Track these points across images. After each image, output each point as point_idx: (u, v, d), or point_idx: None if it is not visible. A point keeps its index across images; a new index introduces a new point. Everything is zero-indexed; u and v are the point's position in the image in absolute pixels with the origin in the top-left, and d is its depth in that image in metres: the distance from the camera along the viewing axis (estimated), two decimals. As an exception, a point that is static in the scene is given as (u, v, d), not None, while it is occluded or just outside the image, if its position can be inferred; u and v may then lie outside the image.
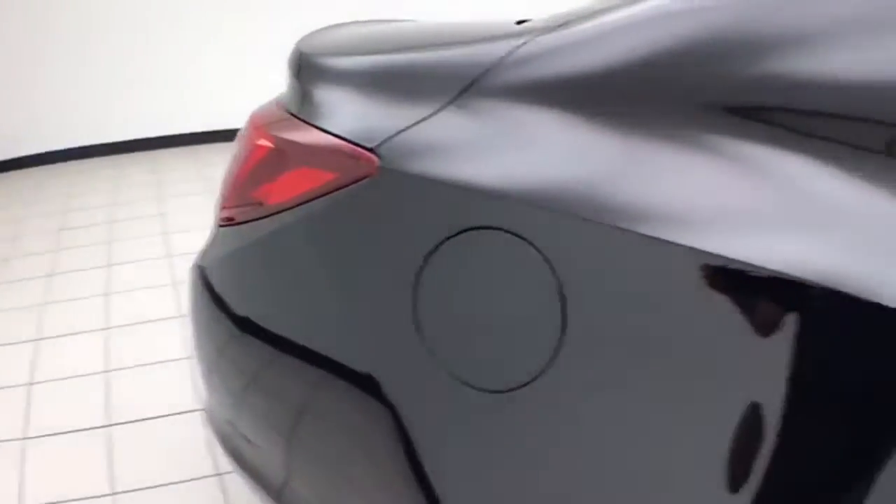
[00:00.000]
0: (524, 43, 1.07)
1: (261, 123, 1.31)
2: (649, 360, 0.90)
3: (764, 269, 0.84)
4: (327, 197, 1.10)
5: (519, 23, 1.23)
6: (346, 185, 1.08)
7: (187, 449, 2.33)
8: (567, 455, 0.96)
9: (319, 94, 1.25)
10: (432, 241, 1.01)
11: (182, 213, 4.37)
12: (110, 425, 2.49)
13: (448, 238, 1.00)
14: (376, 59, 1.25)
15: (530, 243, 0.95)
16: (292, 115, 1.27)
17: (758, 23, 0.95)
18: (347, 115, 1.17)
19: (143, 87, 5.61)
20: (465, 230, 0.99)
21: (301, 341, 1.16)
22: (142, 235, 4.10)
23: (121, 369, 2.83)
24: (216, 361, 1.37)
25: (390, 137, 1.07)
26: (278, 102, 1.37)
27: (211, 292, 1.33)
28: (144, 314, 3.22)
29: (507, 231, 0.96)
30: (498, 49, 1.09)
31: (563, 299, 0.93)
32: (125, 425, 2.49)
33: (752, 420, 0.86)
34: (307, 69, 1.32)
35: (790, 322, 0.85)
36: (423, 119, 1.07)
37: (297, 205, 1.14)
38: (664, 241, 0.88)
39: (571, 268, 0.94)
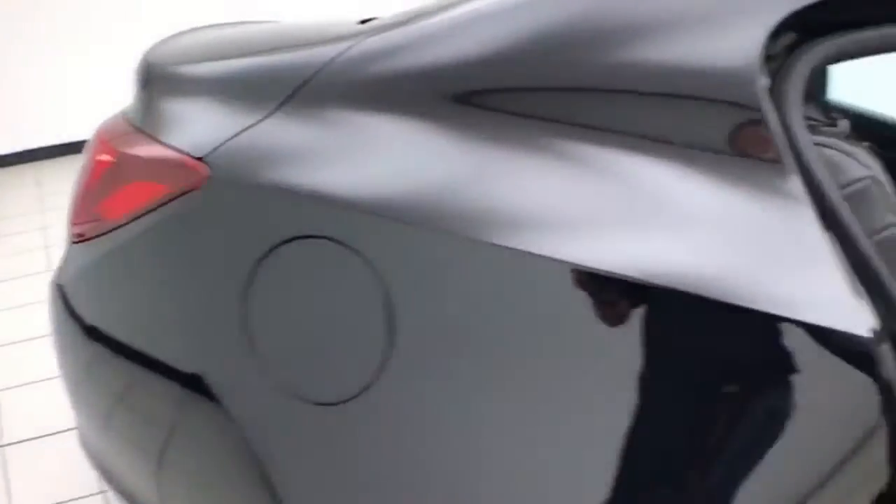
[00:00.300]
0: (350, 46, 1.07)
1: (105, 137, 1.29)
2: (481, 365, 0.90)
3: (600, 271, 0.86)
4: (161, 209, 1.09)
5: (363, 22, 1.23)
6: (178, 197, 1.07)
7: (79, 465, 2.30)
8: (405, 462, 0.95)
9: (159, 105, 1.24)
10: (259, 252, 0.99)
11: (63, 226, 4.24)
12: (4, 445, 2.45)
13: (274, 248, 0.98)
14: (212, 67, 1.24)
15: (357, 252, 0.94)
16: (136, 127, 1.26)
17: (605, 17, 0.95)
18: (183, 125, 1.16)
19: (24, 98, 5.42)
20: (291, 239, 0.97)
21: (152, 357, 1.13)
22: (24, 250, 3.99)
23: (10, 388, 2.77)
24: (80, 381, 1.35)
25: (219, 146, 1.06)
26: (124, 115, 1.35)
27: (69, 311, 1.31)
28: (31, 331, 3.14)
29: (333, 240, 0.95)
30: (326, 53, 1.08)
31: (390, 309, 0.92)
32: (19, 444, 2.45)
33: (589, 422, 0.88)
34: (150, 79, 1.31)
35: (620, 322, 0.87)
36: (251, 126, 1.06)
37: (136, 218, 1.13)
38: (496, 245, 0.88)
39: (399, 277, 0.93)
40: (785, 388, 0.86)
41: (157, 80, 1.29)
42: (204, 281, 1.06)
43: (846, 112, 2.32)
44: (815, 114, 1.09)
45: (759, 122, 0.88)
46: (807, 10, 0.91)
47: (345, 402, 0.95)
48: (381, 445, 0.96)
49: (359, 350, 0.94)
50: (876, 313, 0.88)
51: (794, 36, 0.95)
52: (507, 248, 0.88)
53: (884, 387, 0.85)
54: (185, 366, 1.09)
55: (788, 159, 0.88)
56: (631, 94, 0.93)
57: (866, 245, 0.89)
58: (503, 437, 0.90)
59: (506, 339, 0.89)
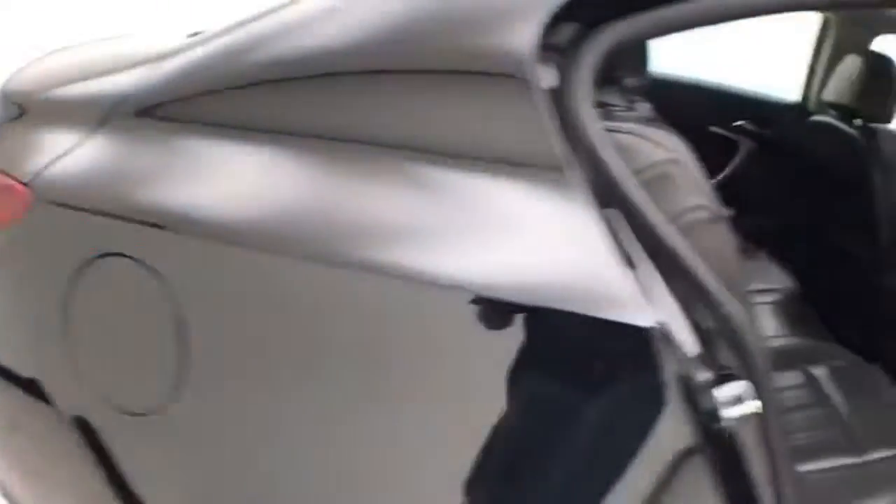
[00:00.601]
0: (159, 67, 1.08)
1: None
2: (276, 375, 0.93)
3: (389, 276, 0.87)
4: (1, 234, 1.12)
5: (192, 35, 1.23)
6: (11, 221, 1.10)
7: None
8: (213, 473, 0.99)
9: (7, 133, 1.25)
10: (73, 269, 1.01)
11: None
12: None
13: (84, 266, 1.00)
14: (51, 93, 1.24)
15: (150, 269, 0.96)
16: None
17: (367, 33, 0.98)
18: (21, 152, 1.17)
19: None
20: (98, 257, 1.00)
21: (19, 377, 1.14)
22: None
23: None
24: None
25: (41, 171, 1.08)
26: None
27: None
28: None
29: (130, 258, 0.98)
30: (134, 76, 1.10)
31: (183, 324, 0.94)
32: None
33: (387, 424, 0.90)
34: (3, 108, 1.32)
35: (402, 327, 0.89)
36: (70, 150, 1.08)
37: None
38: (288, 258, 0.91)
39: (191, 292, 0.96)
40: (573, 382, 0.88)
41: (7, 110, 1.30)
42: (35, 299, 1.09)
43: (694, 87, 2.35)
44: (615, 99, 1.09)
45: (537, 120, 0.88)
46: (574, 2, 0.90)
47: (151, 413, 0.97)
48: (191, 456, 0.99)
49: (157, 365, 0.97)
50: (676, 299, 0.89)
51: (576, 26, 0.94)
52: (299, 260, 0.91)
53: (670, 377, 0.86)
54: (34, 382, 1.10)
55: (569, 156, 0.87)
56: (410, 105, 0.94)
57: (665, 231, 0.89)
58: (308, 442, 0.93)
59: (296, 347, 0.92)
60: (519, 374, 0.87)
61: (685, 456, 0.88)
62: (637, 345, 0.84)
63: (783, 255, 2.20)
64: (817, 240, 2.19)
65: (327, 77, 0.99)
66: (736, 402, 0.88)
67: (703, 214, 0.99)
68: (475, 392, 0.89)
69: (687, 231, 0.95)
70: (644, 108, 1.10)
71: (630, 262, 0.87)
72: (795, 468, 1.08)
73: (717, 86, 2.50)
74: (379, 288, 0.89)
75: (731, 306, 0.92)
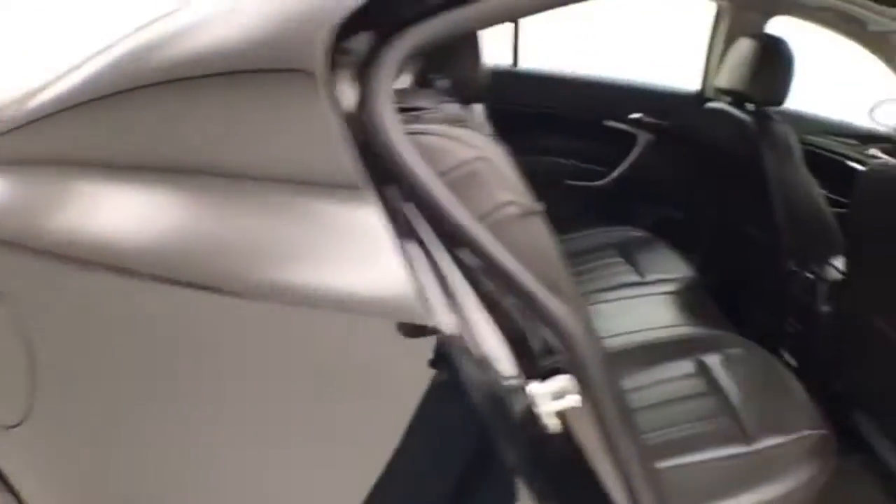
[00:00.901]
0: (17, 107, 1.08)
1: None
2: (120, 385, 0.95)
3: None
4: None
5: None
6: None
7: None
8: (77, 472, 1.02)
9: None
10: None
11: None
12: None
13: None
14: None
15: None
16: None
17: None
18: None
19: None
20: None
21: None
22: None
23: None
24: None
25: None
26: None
27: None
28: None
29: None
30: (5, 115, 1.09)
31: (28, 342, 0.96)
32: None
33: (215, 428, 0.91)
34: None
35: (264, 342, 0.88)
36: None
37: None
38: (146, 276, 0.90)
39: (35, 311, 0.97)
40: (383, 397, 0.86)
41: None
42: None
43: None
44: (425, 101, 1.07)
45: (331, 131, 0.85)
46: (366, 8, 0.87)
47: (18, 425, 0.99)
48: (55, 462, 1.03)
49: (12, 379, 0.99)
50: (485, 298, 0.88)
51: (373, 35, 0.92)
52: (142, 279, 0.90)
53: (471, 379, 0.84)
54: None
55: (363, 167, 0.85)
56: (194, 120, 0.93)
57: (470, 229, 0.88)
58: (155, 448, 0.96)
59: (136, 362, 0.93)
60: (339, 385, 0.87)
61: (502, 458, 0.86)
62: (434, 348, 0.82)
63: (687, 244, 2.19)
64: (719, 227, 2.18)
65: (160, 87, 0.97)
66: (557, 397, 0.86)
67: (513, 210, 0.98)
68: (322, 401, 0.88)
69: (498, 227, 0.93)
70: (453, 108, 1.08)
71: (432, 268, 0.85)
72: (651, 462, 1.06)
73: (611, 80, 2.49)
74: (217, 307, 0.88)
75: (547, 300, 0.90)
